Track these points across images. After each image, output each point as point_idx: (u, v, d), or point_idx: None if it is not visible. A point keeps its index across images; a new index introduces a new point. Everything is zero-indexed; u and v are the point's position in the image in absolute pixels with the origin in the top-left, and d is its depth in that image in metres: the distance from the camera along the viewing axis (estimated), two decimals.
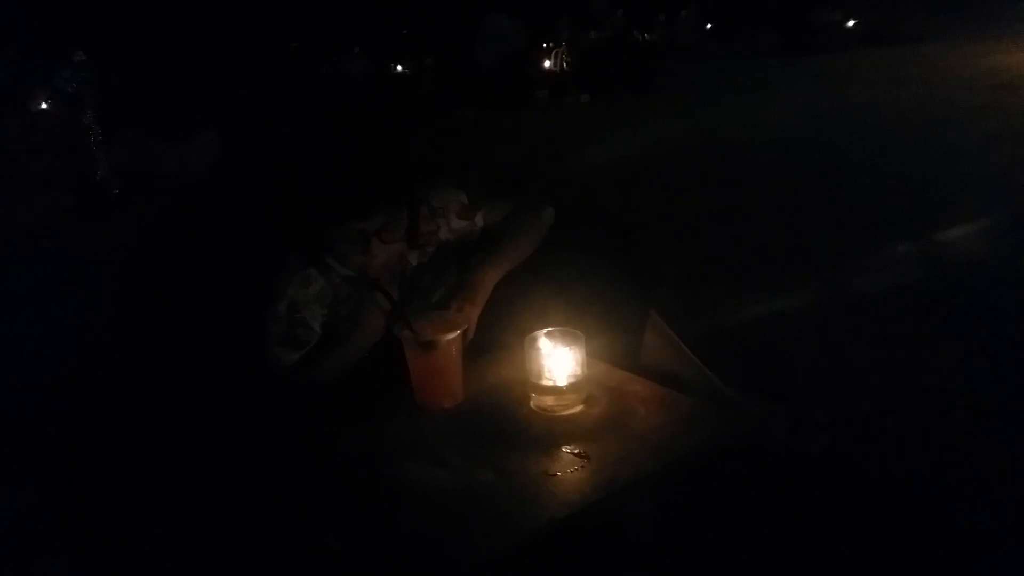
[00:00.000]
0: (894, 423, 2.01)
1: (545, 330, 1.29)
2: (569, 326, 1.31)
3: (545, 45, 12.01)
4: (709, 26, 24.39)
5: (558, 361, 1.28)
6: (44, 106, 10.66)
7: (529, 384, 1.30)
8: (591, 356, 1.35)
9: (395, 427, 1.27)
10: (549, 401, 1.28)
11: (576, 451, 1.16)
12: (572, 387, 1.27)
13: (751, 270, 3.30)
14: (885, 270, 3.18)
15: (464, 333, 1.38)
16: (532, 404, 1.30)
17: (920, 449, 1.89)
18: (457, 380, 1.34)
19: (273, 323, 1.47)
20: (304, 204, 1.42)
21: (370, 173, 1.36)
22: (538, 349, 1.28)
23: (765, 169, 5.31)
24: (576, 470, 1.11)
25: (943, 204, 3.97)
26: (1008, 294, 2.77)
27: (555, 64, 11.39)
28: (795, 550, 1.38)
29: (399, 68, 14.74)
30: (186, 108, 9.67)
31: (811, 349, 2.48)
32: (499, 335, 1.51)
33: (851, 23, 15.02)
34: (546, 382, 1.28)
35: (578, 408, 1.27)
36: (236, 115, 9.59)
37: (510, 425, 1.25)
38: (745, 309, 2.80)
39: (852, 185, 4.67)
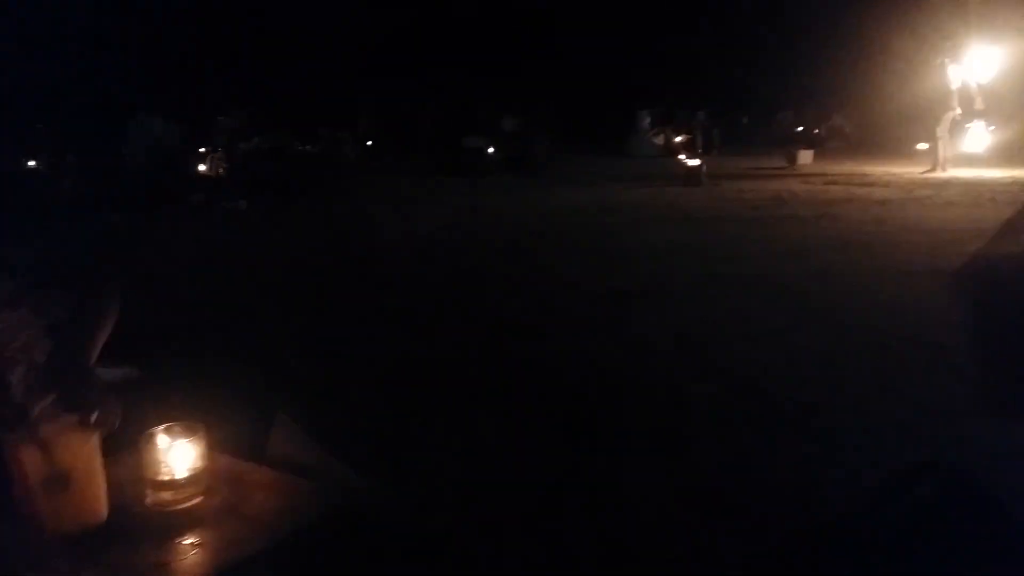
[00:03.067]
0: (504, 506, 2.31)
1: (164, 425, 1.33)
2: (193, 421, 1.36)
3: (202, 150, 11.75)
4: (370, 143, 25.63)
5: (177, 455, 1.31)
6: None
7: (146, 481, 1.31)
8: (214, 449, 1.40)
9: None
10: (167, 496, 1.30)
11: (191, 540, 1.20)
12: (191, 480, 1.31)
13: (392, 368, 3.55)
14: (521, 368, 3.63)
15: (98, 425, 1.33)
16: (148, 501, 1.31)
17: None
18: (102, 491, 1.25)
19: None
20: None
21: None
22: (155, 445, 1.31)
23: (408, 272, 5.78)
24: (188, 558, 1.16)
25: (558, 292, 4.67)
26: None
27: (211, 169, 11.18)
28: None
29: (31, 163, 13.29)
30: None
31: (448, 441, 2.74)
32: (118, 436, 1.49)
33: (491, 150, 16.89)
34: (164, 477, 1.30)
35: (197, 500, 1.31)
36: None
37: (124, 524, 1.25)
38: (365, 400, 3.02)
39: (489, 290, 5.25)
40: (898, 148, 18.18)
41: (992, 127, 16.31)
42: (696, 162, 13.16)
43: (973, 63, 15.02)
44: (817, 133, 25.00)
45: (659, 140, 22.64)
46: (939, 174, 13.71)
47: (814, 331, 4.03)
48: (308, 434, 1.65)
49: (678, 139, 22.26)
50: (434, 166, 16.82)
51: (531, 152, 17.50)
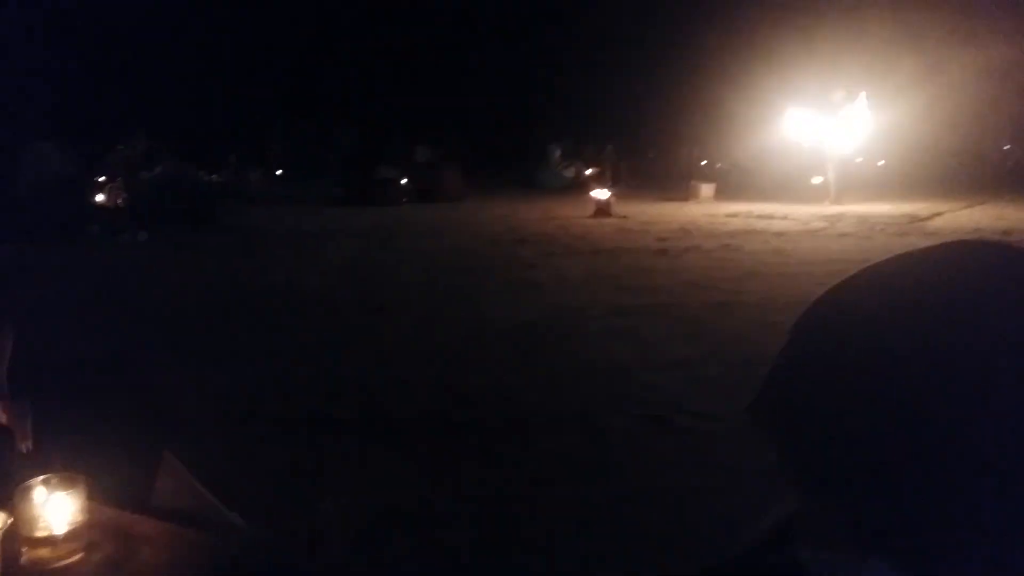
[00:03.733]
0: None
1: (40, 477, 1.25)
2: (73, 471, 1.29)
3: (101, 179, 11.27)
4: (279, 172, 25.20)
5: (55, 509, 1.24)
6: None
7: (21, 538, 1.23)
8: (96, 501, 1.33)
9: None
10: (45, 553, 1.22)
11: None
12: (71, 535, 1.24)
13: (289, 406, 3.46)
14: (427, 399, 3.59)
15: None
16: (24, 560, 1.23)
17: None
18: None
19: None
20: None
21: None
22: (31, 499, 1.23)
23: (315, 305, 5.69)
24: None
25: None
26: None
27: (109, 199, 10.72)
28: None
29: None
30: None
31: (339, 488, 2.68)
32: None
33: (404, 181, 16.86)
34: (41, 533, 1.22)
35: (78, 557, 1.24)
36: None
37: None
38: (260, 442, 2.94)
39: (401, 322, 5.19)
40: (795, 182, 19.11)
41: (881, 162, 17.38)
42: (606, 195, 13.45)
43: (859, 105, 16.01)
44: (719, 167, 26.05)
45: (570, 173, 23.12)
46: (833, 207, 14.48)
47: (717, 363, 4.15)
48: (198, 481, 1.59)
49: (588, 172, 22.77)
50: (346, 196, 16.66)
51: (444, 183, 17.56)
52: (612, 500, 2.55)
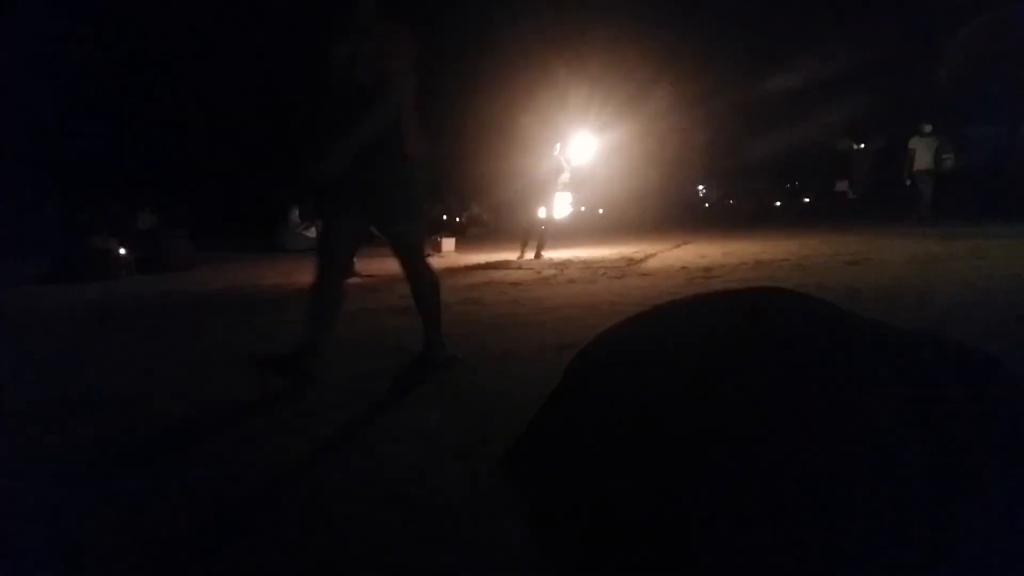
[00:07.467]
0: None
1: None
2: None
3: None
4: None
5: None
6: None
7: None
8: None
9: None
10: None
11: None
12: None
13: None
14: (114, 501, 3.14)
15: None
16: None
17: None
18: None
19: None
20: None
21: None
22: None
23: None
24: None
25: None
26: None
27: None
28: None
29: None
30: None
31: None
32: None
33: (123, 251, 15.45)
34: None
35: None
36: None
37: None
38: None
39: (86, 416, 4.58)
40: (529, 231, 20.13)
41: (601, 210, 19.02)
42: None
43: (572, 147, 17.45)
44: (459, 221, 27.00)
45: (312, 233, 22.60)
46: (562, 254, 15.48)
47: (456, 427, 4.11)
48: None
49: None
50: (54, 272, 14.82)
51: (170, 251, 16.29)
52: None
